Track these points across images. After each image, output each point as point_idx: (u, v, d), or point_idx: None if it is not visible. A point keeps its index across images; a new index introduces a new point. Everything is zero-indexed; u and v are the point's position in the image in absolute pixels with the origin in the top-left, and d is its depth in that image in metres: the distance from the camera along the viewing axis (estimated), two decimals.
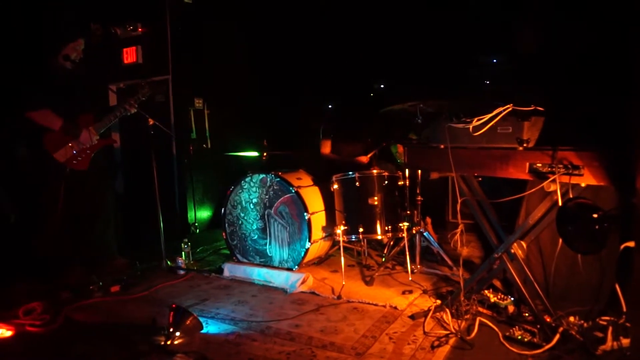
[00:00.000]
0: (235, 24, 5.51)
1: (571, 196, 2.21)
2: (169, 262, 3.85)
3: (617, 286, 2.17)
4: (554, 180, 2.23)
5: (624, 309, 2.14)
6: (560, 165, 2.21)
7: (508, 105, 2.40)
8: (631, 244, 2.05)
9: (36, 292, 3.15)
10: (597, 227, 1.98)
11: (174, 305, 2.62)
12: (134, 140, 5.33)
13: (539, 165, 2.29)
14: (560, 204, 2.21)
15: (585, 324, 2.32)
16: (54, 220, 3.48)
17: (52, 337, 2.67)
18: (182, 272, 3.75)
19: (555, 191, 2.27)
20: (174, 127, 5.12)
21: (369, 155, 4.24)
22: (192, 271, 3.80)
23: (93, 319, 2.92)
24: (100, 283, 3.32)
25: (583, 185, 2.22)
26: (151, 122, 3.77)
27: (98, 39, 5.10)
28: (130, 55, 5.27)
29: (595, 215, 1.99)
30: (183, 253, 3.98)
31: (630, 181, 1.93)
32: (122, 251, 4.07)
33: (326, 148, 4.42)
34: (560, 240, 2.24)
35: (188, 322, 2.55)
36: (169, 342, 2.45)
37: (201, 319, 2.64)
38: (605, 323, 2.25)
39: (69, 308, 3.01)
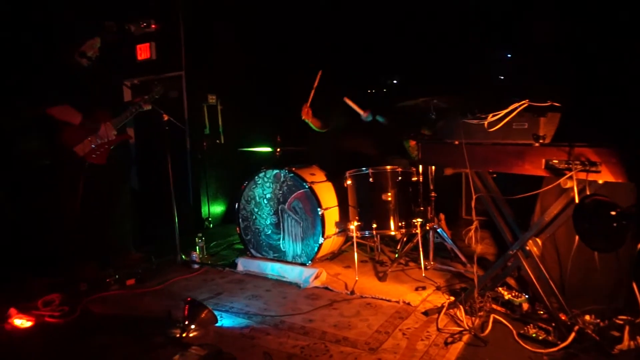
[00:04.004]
0: (249, 18, 5.51)
1: (588, 193, 2.18)
2: (183, 256, 3.90)
3: (634, 285, 2.14)
4: (570, 177, 2.21)
5: None
6: (577, 162, 2.19)
7: (524, 101, 2.38)
8: None
9: (55, 285, 3.21)
10: (614, 224, 1.96)
11: (189, 299, 2.66)
12: (149, 135, 5.38)
13: (556, 161, 2.27)
14: (577, 201, 2.18)
15: (601, 323, 2.30)
16: (73, 214, 3.54)
17: (71, 327, 2.73)
18: (196, 266, 3.79)
19: (572, 188, 2.24)
20: (188, 123, 5.16)
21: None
22: (206, 265, 3.84)
23: (110, 310, 2.98)
24: (117, 276, 3.37)
25: (600, 182, 2.20)
26: (166, 117, 3.82)
27: (112, 36, 5.15)
28: (144, 52, 5.32)
29: (613, 213, 1.97)
30: (197, 247, 4.02)
31: None
32: (137, 245, 4.13)
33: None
34: (577, 238, 2.22)
35: (203, 315, 2.59)
36: (184, 335, 2.49)
37: (216, 313, 2.68)
38: (622, 322, 2.23)
39: (86, 300, 3.07)
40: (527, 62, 4.26)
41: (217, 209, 5.42)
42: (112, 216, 3.84)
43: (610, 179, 2.14)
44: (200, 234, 4.12)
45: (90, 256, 3.62)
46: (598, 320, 2.32)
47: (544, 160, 2.32)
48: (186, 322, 2.54)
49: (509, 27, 4.31)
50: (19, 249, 3.73)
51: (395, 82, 5.37)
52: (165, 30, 5.13)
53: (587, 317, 2.36)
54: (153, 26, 5.14)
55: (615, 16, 3.00)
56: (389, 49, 5.05)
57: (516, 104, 2.39)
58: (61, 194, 3.64)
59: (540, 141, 2.33)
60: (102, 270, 3.49)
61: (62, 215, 3.61)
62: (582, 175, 2.18)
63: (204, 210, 5.24)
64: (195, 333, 2.54)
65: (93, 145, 3.59)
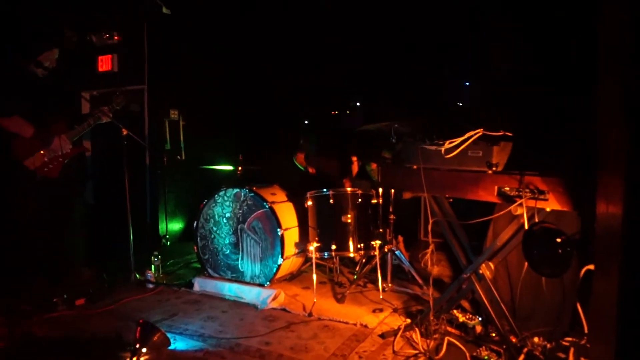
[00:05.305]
0: (214, 36, 5.51)
1: (537, 220, 2.28)
2: (137, 275, 3.77)
3: (579, 308, 2.24)
4: (520, 204, 2.30)
5: (585, 330, 2.21)
6: (527, 190, 2.29)
7: (478, 130, 2.48)
8: (592, 267, 2.13)
9: None
10: (560, 251, 2.06)
11: (141, 321, 2.57)
12: (106, 149, 5.21)
13: (507, 189, 2.37)
14: (526, 227, 2.28)
15: (548, 345, 2.38)
16: (23, 229, 3.37)
17: (8, 353, 2.57)
18: (151, 285, 3.68)
19: (522, 215, 2.34)
20: (148, 138, 5.05)
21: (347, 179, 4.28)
22: (162, 285, 3.72)
23: (55, 333, 2.82)
24: (65, 295, 3.22)
25: (548, 209, 2.30)
26: (125, 132, 3.72)
27: (73, 46, 5.01)
28: (105, 64, 5.20)
29: (558, 240, 2.07)
30: (153, 266, 3.91)
31: (591, 207, 2.02)
32: (90, 262, 3.94)
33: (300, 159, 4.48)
34: (526, 263, 2.30)
35: (155, 338, 2.50)
36: (135, 359, 2.40)
37: (169, 335, 2.60)
38: (567, 344, 2.32)
39: (29, 322, 2.91)
40: (485, 91, 4.44)
41: (176, 226, 5.29)
42: (64, 231, 3.67)
43: (557, 207, 2.24)
44: (156, 252, 4.02)
45: (42, 272, 3.44)
46: (546, 342, 2.40)
47: (496, 188, 2.41)
48: (137, 345, 2.44)
49: (469, 56, 4.50)
50: None
51: (357, 104, 5.49)
52: (129, 42, 5.05)
53: (536, 339, 2.44)
54: (116, 38, 5.05)
55: (567, 47, 3.16)
56: (352, 73, 5.16)
57: (471, 132, 2.49)
58: (11, 208, 3.47)
59: (493, 169, 2.42)
60: (51, 289, 3.32)
61: (12, 230, 3.44)
62: (531, 203, 2.28)
63: (162, 227, 5.11)
64: (146, 357, 2.45)
65: (45, 159, 3.45)
